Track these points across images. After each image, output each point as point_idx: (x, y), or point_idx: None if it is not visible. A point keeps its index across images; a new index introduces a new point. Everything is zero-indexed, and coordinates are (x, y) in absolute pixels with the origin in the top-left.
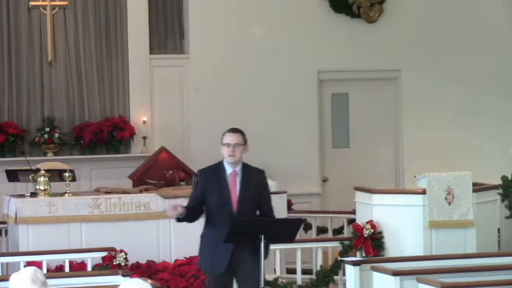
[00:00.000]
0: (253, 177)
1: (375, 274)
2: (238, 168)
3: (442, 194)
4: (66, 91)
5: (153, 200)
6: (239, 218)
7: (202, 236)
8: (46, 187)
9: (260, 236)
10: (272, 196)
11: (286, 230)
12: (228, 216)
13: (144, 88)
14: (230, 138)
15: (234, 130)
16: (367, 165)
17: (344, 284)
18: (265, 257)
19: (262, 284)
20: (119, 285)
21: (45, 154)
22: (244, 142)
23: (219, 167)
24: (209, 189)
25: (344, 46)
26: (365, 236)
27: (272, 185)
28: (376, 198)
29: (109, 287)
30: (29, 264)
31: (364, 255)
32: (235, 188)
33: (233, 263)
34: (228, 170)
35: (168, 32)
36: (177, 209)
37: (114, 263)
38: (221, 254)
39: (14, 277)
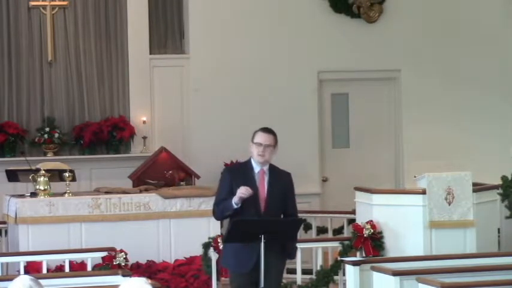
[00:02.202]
0: (280, 178)
1: (375, 274)
2: (265, 168)
3: (442, 194)
4: (66, 91)
5: (153, 200)
6: (241, 218)
7: None
8: (46, 187)
9: (260, 236)
10: None
11: (286, 230)
12: (255, 214)
13: (144, 88)
14: (262, 139)
15: (267, 130)
16: (367, 165)
17: (344, 284)
18: (293, 257)
19: (261, 284)
20: (119, 285)
21: (45, 154)
22: (275, 143)
23: (246, 165)
24: (236, 187)
25: (344, 46)
26: (365, 236)
27: None
28: (376, 198)
29: (109, 287)
30: (28, 264)
31: (364, 255)
32: (263, 186)
33: (259, 263)
34: (256, 168)
35: (168, 32)
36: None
37: (114, 263)
38: (248, 253)
39: None
